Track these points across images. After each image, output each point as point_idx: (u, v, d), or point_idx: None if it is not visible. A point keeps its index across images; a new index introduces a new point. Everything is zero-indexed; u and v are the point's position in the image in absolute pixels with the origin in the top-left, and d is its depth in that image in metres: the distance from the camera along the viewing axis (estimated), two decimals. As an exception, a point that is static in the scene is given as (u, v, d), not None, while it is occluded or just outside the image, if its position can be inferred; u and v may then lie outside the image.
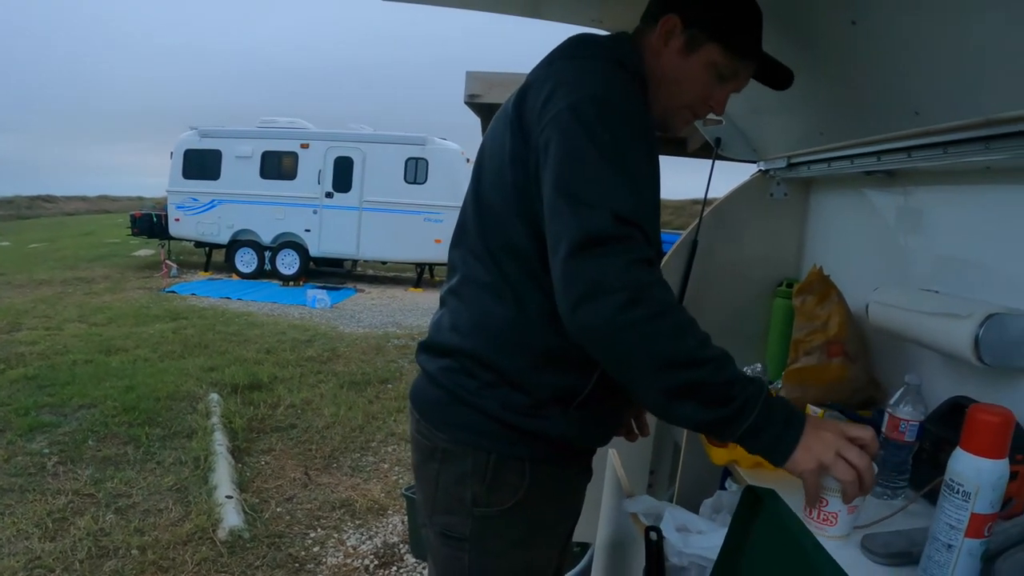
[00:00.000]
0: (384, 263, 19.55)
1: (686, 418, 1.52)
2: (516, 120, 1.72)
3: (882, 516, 1.87)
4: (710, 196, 3.40)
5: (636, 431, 2.24)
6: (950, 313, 2.00)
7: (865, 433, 1.55)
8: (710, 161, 3.47)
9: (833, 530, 1.76)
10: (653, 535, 1.50)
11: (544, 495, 1.84)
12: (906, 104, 2.05)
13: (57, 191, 51.42)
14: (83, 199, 50.17)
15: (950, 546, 1.39)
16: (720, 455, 2.20)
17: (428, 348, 1.95)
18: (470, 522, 1.83)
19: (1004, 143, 1.79)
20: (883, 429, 2.03)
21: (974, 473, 1.37)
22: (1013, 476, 1.76)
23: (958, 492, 1.38)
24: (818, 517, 1.77)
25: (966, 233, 2.30)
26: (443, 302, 1.97)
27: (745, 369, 2.85)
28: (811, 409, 2.41)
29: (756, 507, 1.40)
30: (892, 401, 2.02)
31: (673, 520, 2.04)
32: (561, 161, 1.57)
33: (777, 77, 2.00)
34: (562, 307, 1.53)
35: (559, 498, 1.91)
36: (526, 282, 1.74)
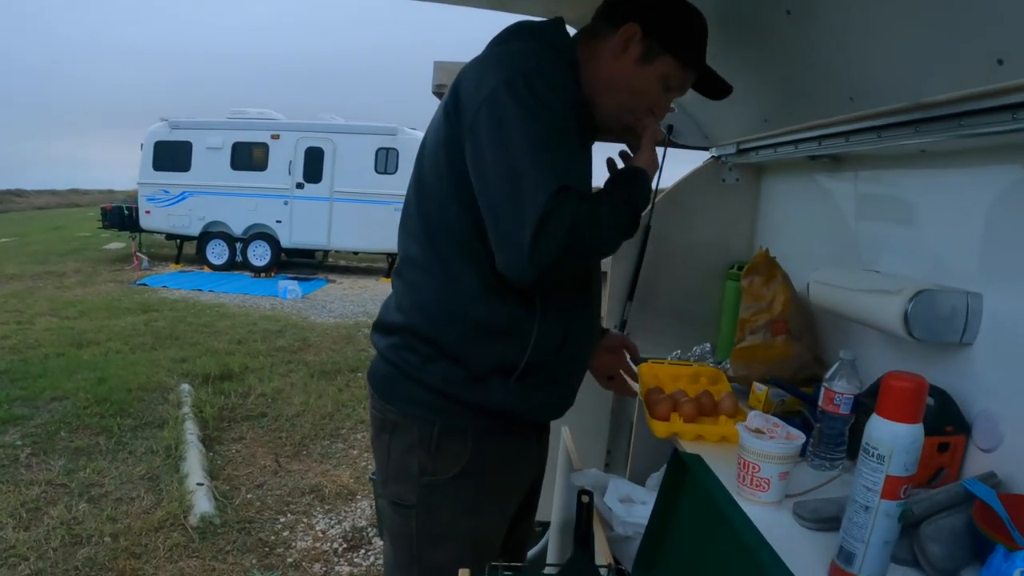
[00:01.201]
0: (355, 253, 19.45)
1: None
2: (452, 105, 1.79)
3: (817, 484, 1.96)
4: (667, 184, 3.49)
5: (630, 382, 2.39)
6: (882, 290, 2.08)
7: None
8: (672, 151, 3.54)
9: (766, 495, 1.85)
10: (585, 498, 1.57)
11: (488, 465, 1.93)
12: (841, 90, 2.13)
13: (26, 185, 50.85)
14: (53, 193, 49.67)
15: (867, 508, 1.45)
16: (661, 428, 2.29)
17: (378, 328, 2.04)
18: (417, 490, 1.92)
19: (933, 126, 1.87)
20: (820, 402, 2.12)
21: (888, 437, 1.42)
22: (944, 447, 1.87)
23: (873, 455, 1.44)
24: (751, 483, 1.86)
25: (906, 215, 2.38)
26: (392, 285, 2.05)
27: (695, 348, 2.95)
28: (756, 387, 2.50)
29: (683, 473, 1.47)
30: (828, 376, 2.10)
31: (617, 491, 2.12)
32: (494, 142, 1.68)
33: (717, 88, 2.08)
34: (531, 278, 1.65)
35: (504, 468, 1.99)
36: (458, 259, 1.83)
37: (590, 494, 1.60)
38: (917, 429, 1.42)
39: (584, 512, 1.55)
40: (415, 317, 1.89)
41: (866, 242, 2.57)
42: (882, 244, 2.48)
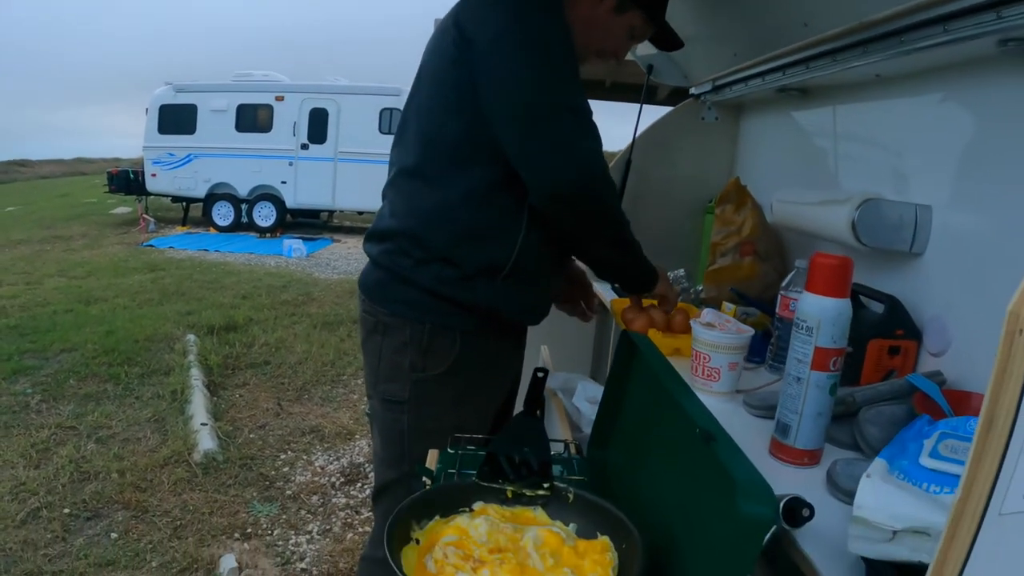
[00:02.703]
0: (360, 213, 19.46)
1: (615, 264, 2.20)
2: (455, 30, 1.94)
3: (768, 383, 2.09)
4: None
5: (588, 311, 2.60)
6: (832, 200, 2.21)
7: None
8: (675, 108, 3.68)
9: (717, 385, 1.98)
10: (540, 374, 1.70)
11: (474, 362, 2.09)
12: (796, 17, 2.27)
13: (32, 155, 50.66)
14: (59, 162, 49.46)
15: (799, 379, 1.57)
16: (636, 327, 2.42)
17: (371, 236, 2.18)
18: (409, 386, 2.08)
19: (878, 45, 2.00)
20: (776, 310, 2.24)
21: (816, 310, 1.53)
22: (895, 351, 1.99)
23: (803, 328, 1.56)
24: (703, 373, 1.99)
25: (866, 140, 2.51)
26: (384, 196, 2.20)
27: (669, 273, 3.07)
28: (725, 306, 2.62)
29: (632, 352, 1.59)
30: (784, 284, 2.23)
31: (585, 392, 2.25)
32: (512, 76, 1.86)
33: (668, 42, 2.33)
34: (556, 189, 1.88)
35: (488, 366, 2.15)
36: (452, 168, 1.98)
37: (545, 371, 1.72)
38: (844, 303, 1.54)
39: (537, 385, 1.68)
40: (409, 221, 2.04)
41: (829, 168, 2.70)
42: (846, 169, 2.61)
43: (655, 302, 2.40)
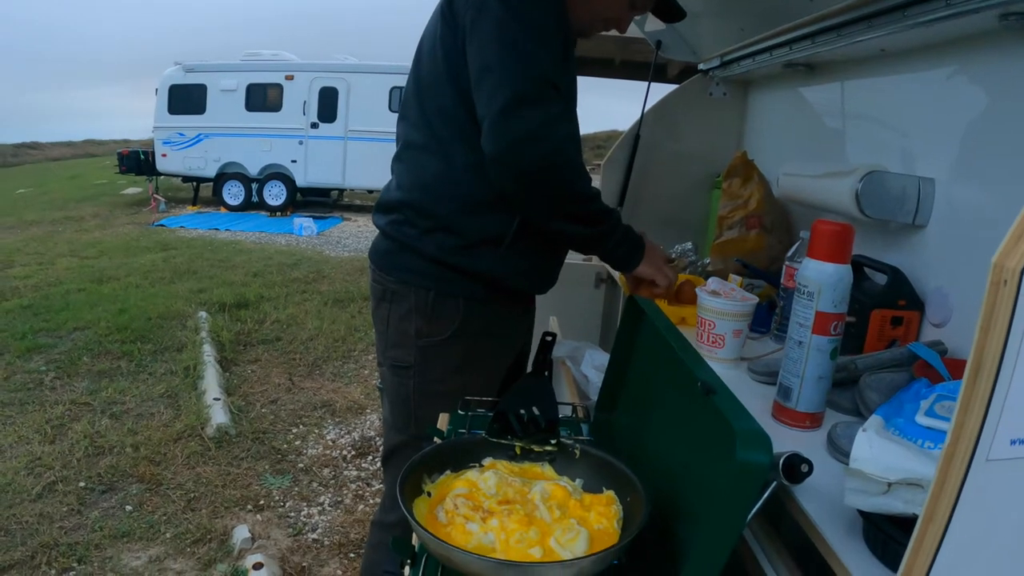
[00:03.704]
0: (370, 192, 19.42)
1: (571, 236, 2.06)
2: (449, 8, 1.98)
3: (772, 351, 2.13)
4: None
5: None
6: (837, 172, 2.24)
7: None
8: (683, 84, 3.69)
9: (721, 352, 2.02)
10: (548, 337, 1.74)
11: (478, 328, 2.13)
12: (801, -9, 2.30)
13: (42, 138, 50.68)
14: (69, 144, 49.42)
15: (800, 343, 1.61)
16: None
17: (379, 207, 2.24)
18: (414, 351, 2.14)
19: (882, 19, 2.03)
20: (781, 280, 2.28)
21: (816, 275, 1.58)
22: (898, 321, 2.03)
23: (804, 293, 1.60)
24: (708, 340, 2.03)
25: (871, 115, 2.53)
26: (392, 169, 2.25)
27: (676, 246, 3.10)
28: (732, 278, 2.65)
29: (639, 316, 1.63)
30: (789, 254, 2.26)
31: (592, 360, 2.29)
32: (486, 34, 1.87)
33: (670, 12, 2.31)
34: (492, 153, 1.85)
35: (492, 332, 2.18)
36: (454, 140, 2.02)
37: (553, 335, 1.76)
38: (844, 269, 1.58)
39: (545, 348, 1.72)
40: (415, 193, 2.09)
41: (838, 142, 2.71)
42: (852, 142, 2.63)
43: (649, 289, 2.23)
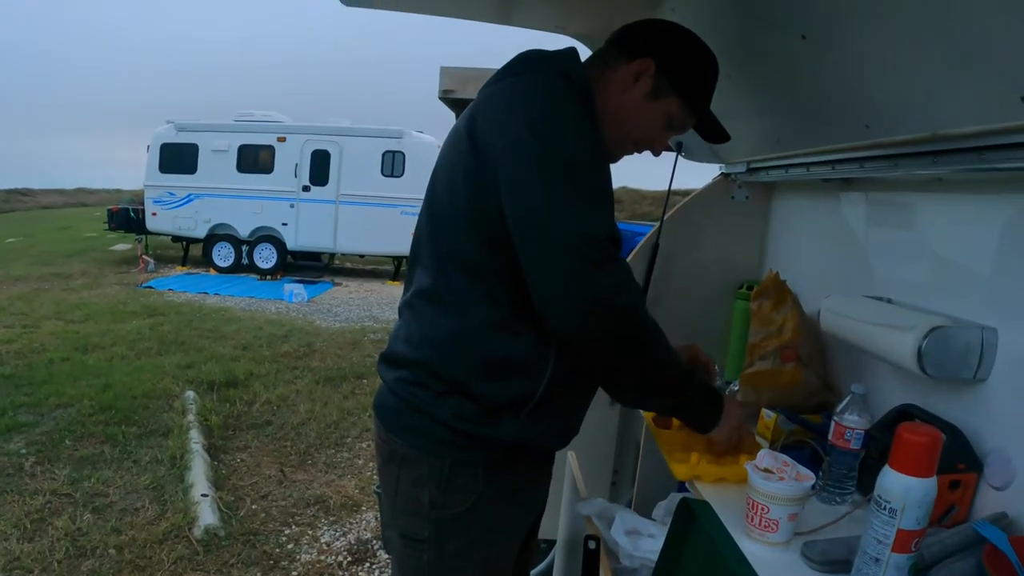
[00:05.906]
0: (361, 256, 19.50)
1: (653, 406, 2.00)
2: (468, 139, 1.78)
3: (827, 522, 1.93)
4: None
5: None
6: (896, 325, 2.05)
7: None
8: (704, 187, 3.54)
9: (775, 536, 1.82)
10: (591, 544, 1.56)
11: (500, 497, 1.92)
12: (857, 117, 2.10)
13: (33, 184, 50.99)
14: (60, 192, 49.73)
15: (877, 560, 1.44)
16: (681, 471, 2.22)
17: (385, 359, 2.03)
18: (428, 524, 1.91)
19: (951, 158, 1.84)
20: (830, 437, 2.09)
21: (901, 491, 1.41)
22: (956, 485, 1.84)
23: (885, 509, 1.42)
24: (760, 524, 1.83)
25: (919, 241, 2.34)
26: (400, 313, 2.04)
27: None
28: (764, 413, 2.47)
29: (690, 520, 1.46)
30: (838, 410, 2.07)
31: (623, 524, 2.10)
32: (525, 179, 1.67)
33: (716, 134, 2.12)
34: (565, 323, 1.65)
35: (515, 498, 1.98)
36: (471, 294, 1.81)
37: (597, 540, 1.58)
38: (930, 483, 1.41)
39: (591, 557, 1.54)
40: (425, 351, 1.88)
41: (878, 267, 2.54)
42: (894, 270, 2.44)
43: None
